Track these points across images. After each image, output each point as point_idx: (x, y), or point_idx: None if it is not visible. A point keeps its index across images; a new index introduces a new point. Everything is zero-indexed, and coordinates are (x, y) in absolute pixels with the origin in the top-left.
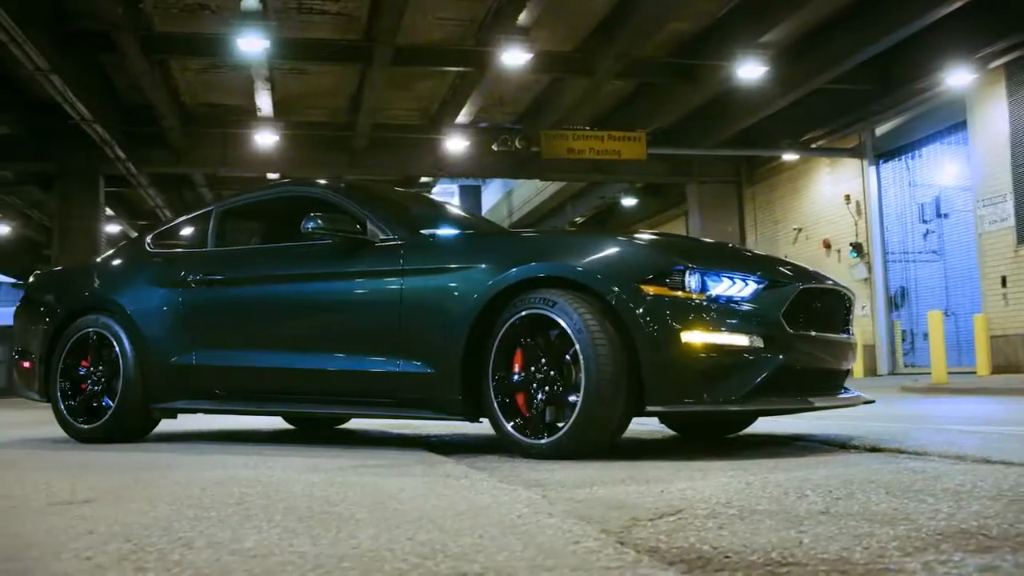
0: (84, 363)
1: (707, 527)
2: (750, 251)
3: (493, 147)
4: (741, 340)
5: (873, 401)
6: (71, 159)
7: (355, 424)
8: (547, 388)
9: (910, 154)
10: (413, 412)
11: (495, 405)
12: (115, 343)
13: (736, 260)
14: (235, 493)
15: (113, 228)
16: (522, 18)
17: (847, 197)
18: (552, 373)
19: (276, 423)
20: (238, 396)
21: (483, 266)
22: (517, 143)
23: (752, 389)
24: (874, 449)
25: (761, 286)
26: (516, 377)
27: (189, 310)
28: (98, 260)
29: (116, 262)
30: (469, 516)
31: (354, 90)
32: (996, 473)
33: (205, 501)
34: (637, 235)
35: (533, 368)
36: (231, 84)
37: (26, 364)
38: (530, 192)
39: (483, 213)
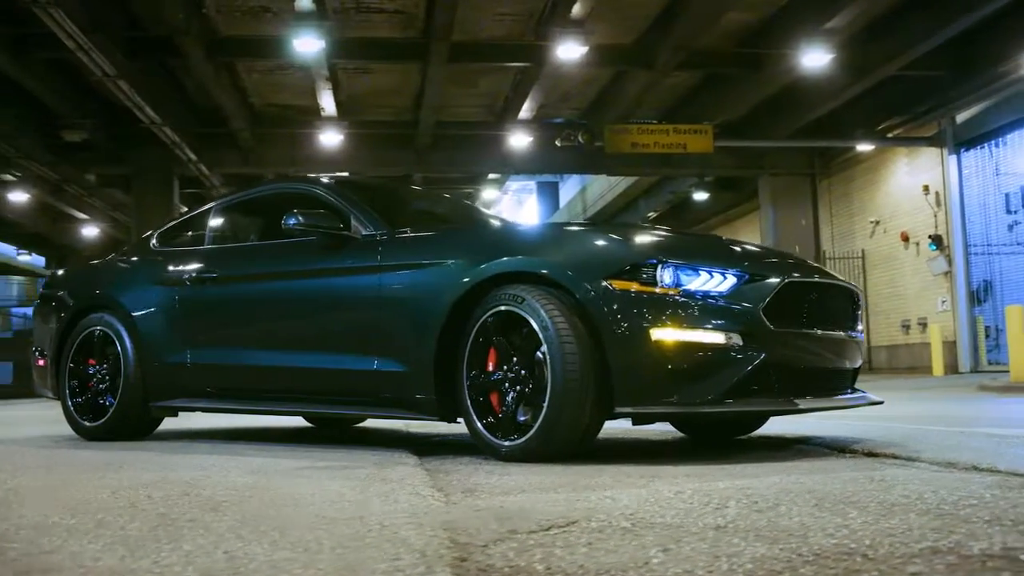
0: (91, 361)
1: (576, 543)
2: (741, 244)
3: (556, 142)
4: (717, 338)
5: (881, 402)
6: (146, 161)
7: (372, 424)
8: (518, 388)
9: (993, 141)
10: (389, 411)
11: (469, 405)
12: (117, 342)
13: (717, 253)
14: (142, 497)
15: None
16: (578, 11)
17: (926, 188)
18: (523, 372)
19: (296, 421)
20: (229, 395)
21: (457, 262)
22: (580, 138)
23: (728, 390)
24: (869, 454)
25: (741, 280)
26: (490, 376)
27: (183, 308)
28: (107, 258)
29: (122, 260)
30: (328, 525)
31: (418, 88)
32: (965, 482)
33: (100, 505)
34: (614, 227)
35: (505, 367)
36: (296, 85)
37: (41, 362)
38: (603, 188)
39: (560, 209)
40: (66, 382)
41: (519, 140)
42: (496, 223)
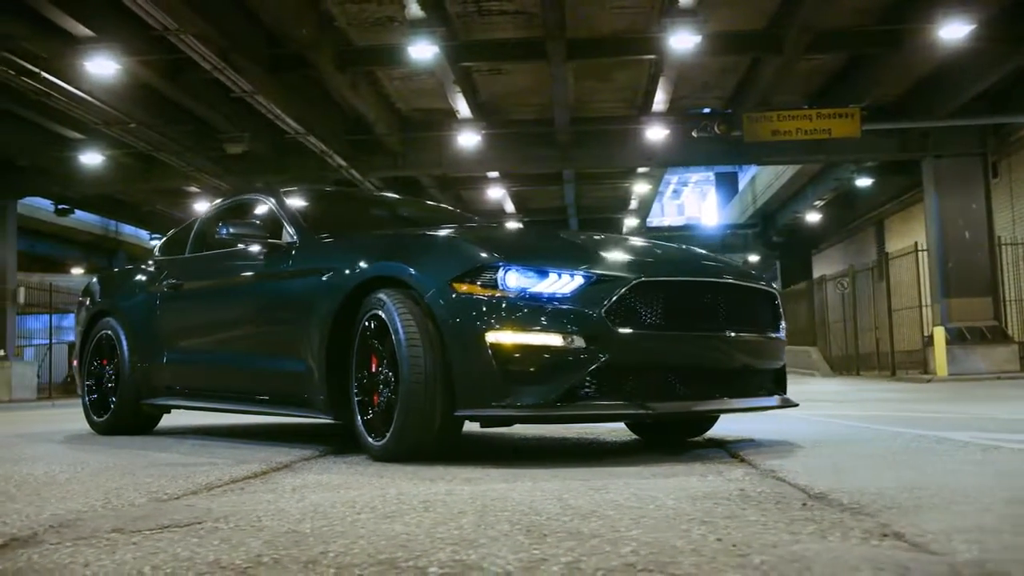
0: (104, 362)
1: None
2: (620, 243)
3: (693, 134)
4: (554, 340)
5: (778, 407)
6: (303, 169)
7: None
8: (386, 389)
9: None
10: (293, 410)
11: (355, 404)
12: (117, 344)
13: (567, 253)
14: None
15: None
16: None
17: None
18: (389, 374)
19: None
20: (194, 394)
21: (346, 267)
22: (716, 128)
23: (566, 392)
24: (743, 460)
25: (588, 282)
26: (374, 377)
27: (161, 314)
28: (126, 267)
29: (132, 269)
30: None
31: (551, 86)
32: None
33: None
34: (474, 227)
35: (378, 368)
36: (435, 89)
37: (75, 363)
38: (770, 177)
39: (732, 200)
40: (83, 381)
41: (656, 133)
42: (444, 230)
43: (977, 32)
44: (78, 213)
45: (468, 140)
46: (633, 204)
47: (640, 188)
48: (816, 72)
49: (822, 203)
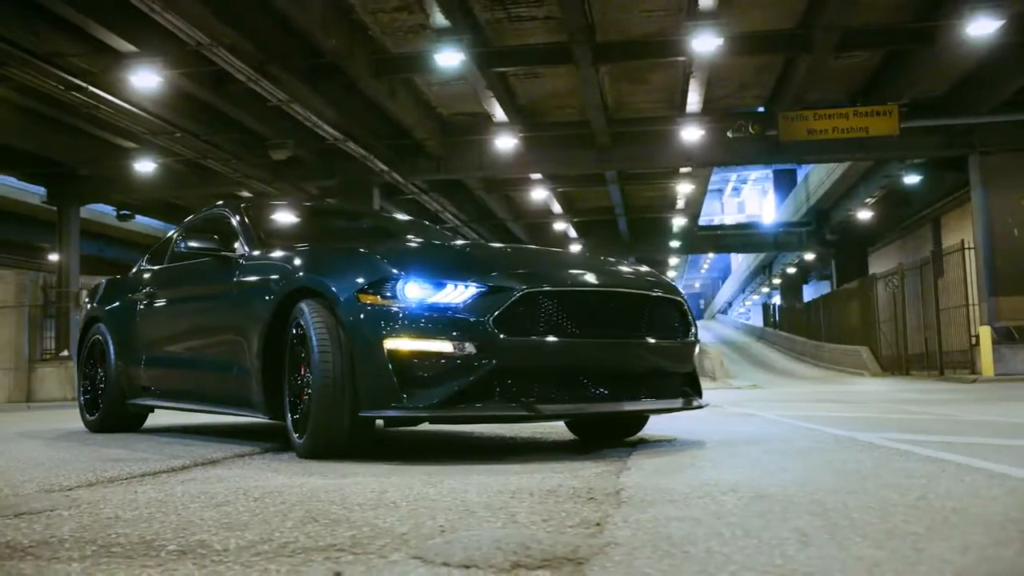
0: (96, 365)
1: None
2: (508, 254)
3: (728, 134)
4: (444, 347)
5: (674, 410)
6: (349, 174)
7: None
8: (308, 392)
9: None
10: (238, 410)
11: (287, 405)
12: (106, 348)
13: (466, 266)
14: None
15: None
16: (711, 2)
17: None
18: (309, 378)
19: None
20: (163, 395)
21: (279, 279)
22: (751, 128)
23: (455, 395)
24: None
25: (479, 292)
26: (299, 380)
27: (140, 321)
28: (118, 276)
29: (121, 278)
30: None
31: (588, 88)
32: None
33: None
34: (383, 244)
35: (304, 372)
36: (473, 94)
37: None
38: (821, 176)
39: (789, 196)
40: (79, 382)
41: (692, 134)
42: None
43: (1007, 27)
44: (139, 218)
45: (506, 143)
46: (680, 204)
47: (684, 188)
48: (856, 70)
49: (873, 200)
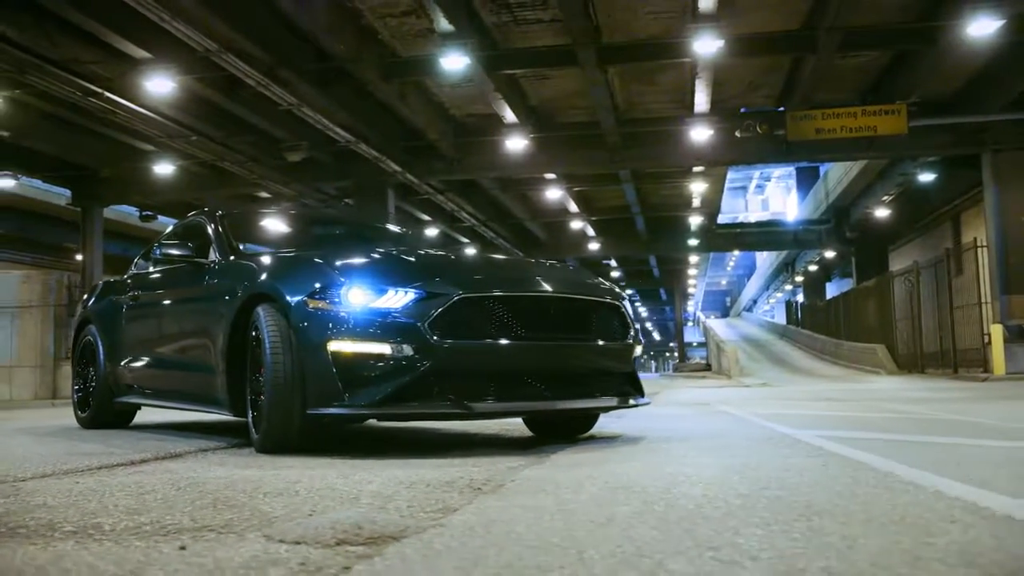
0: (88, 364)
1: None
2: (451, 261)
3: (736, 134)
4: (382, 349)
5: (611, 408)
6: (363, 175)
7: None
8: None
9: None
10: (207, 407)
11: (248, 404)
12: (96, 348)
13: (408, 273)
14: None
15: (432, 232)
16: (713, 4)
17: None
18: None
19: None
20: (145, 393)
21: (241, 285)
22: (758, 128)
23: (391, 395)
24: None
25: (417, 297)
26: (258, 380)
27: (125, 323)
28: (111, 279)
29: (113, 281)
30: None
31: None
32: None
33: None
34: (343, 252)
35: (261, 372)
36: (483, 95)
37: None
38: (839, 174)
39: (809, 194)
40: (72, 381)
41: (701, 133)
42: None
43: (1008, 27)
44: (161, 218)
45: (517, 144)
46: (696, 202)
47: (698, 187)
48: (864, 70)
49: (890, 198)
